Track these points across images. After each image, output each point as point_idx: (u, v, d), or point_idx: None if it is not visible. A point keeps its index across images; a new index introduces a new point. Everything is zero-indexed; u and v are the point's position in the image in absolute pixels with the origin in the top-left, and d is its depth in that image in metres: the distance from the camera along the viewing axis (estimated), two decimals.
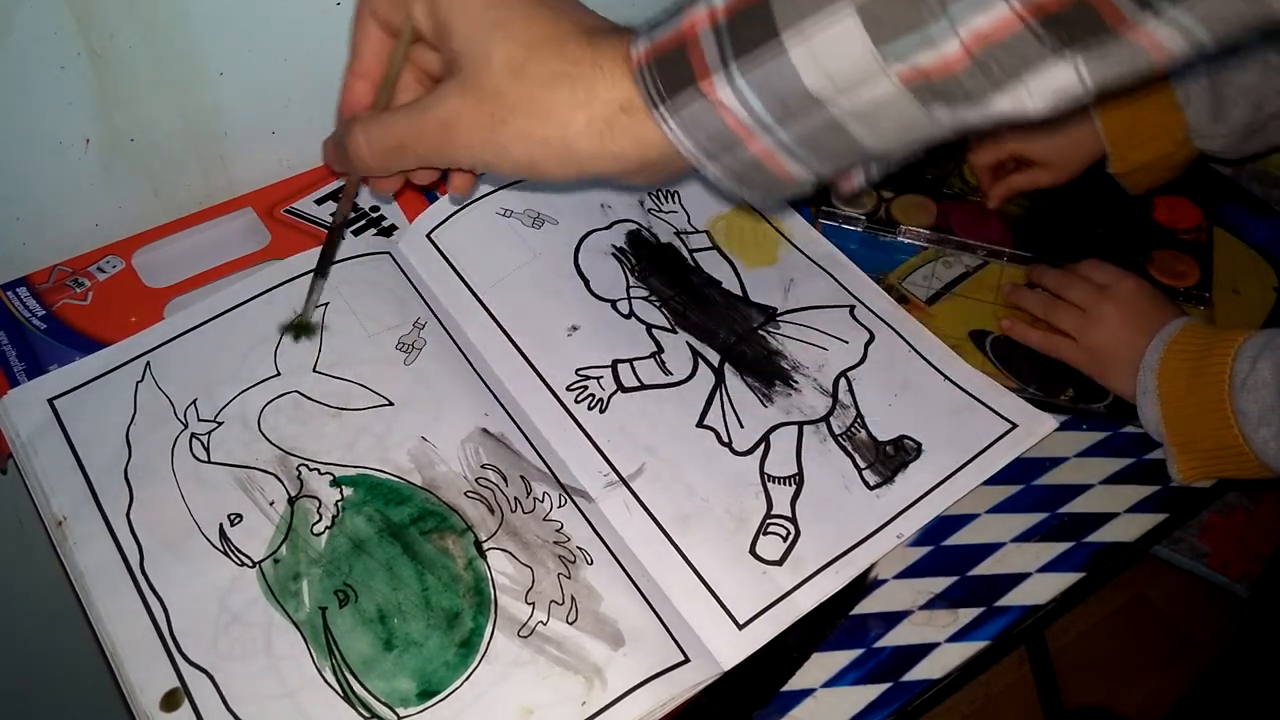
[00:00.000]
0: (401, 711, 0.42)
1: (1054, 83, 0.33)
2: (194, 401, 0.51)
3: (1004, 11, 0.31)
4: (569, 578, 0.47)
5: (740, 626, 0.46)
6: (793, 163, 0.37)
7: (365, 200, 0.62)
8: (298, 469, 0.49)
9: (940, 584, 0.49)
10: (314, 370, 0.53)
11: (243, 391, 0.52)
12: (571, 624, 0.45)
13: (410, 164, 0.43)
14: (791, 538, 0.49)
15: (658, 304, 0.59)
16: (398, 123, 0.41)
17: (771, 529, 0.50)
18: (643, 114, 0.37)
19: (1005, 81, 0.33)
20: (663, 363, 0.56)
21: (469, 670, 0.43)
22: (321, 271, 0.51)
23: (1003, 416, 0.55)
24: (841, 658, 0.46)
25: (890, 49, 0.33)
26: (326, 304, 0.55)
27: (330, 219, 0.50)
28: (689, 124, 0.36)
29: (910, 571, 0.49)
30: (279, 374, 0.52)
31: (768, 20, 0.34)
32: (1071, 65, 0.32)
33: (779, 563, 0.48)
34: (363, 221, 0.61)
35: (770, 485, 0.51)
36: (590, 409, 0.53)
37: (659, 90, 0.36)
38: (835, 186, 0.40)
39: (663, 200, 0.64)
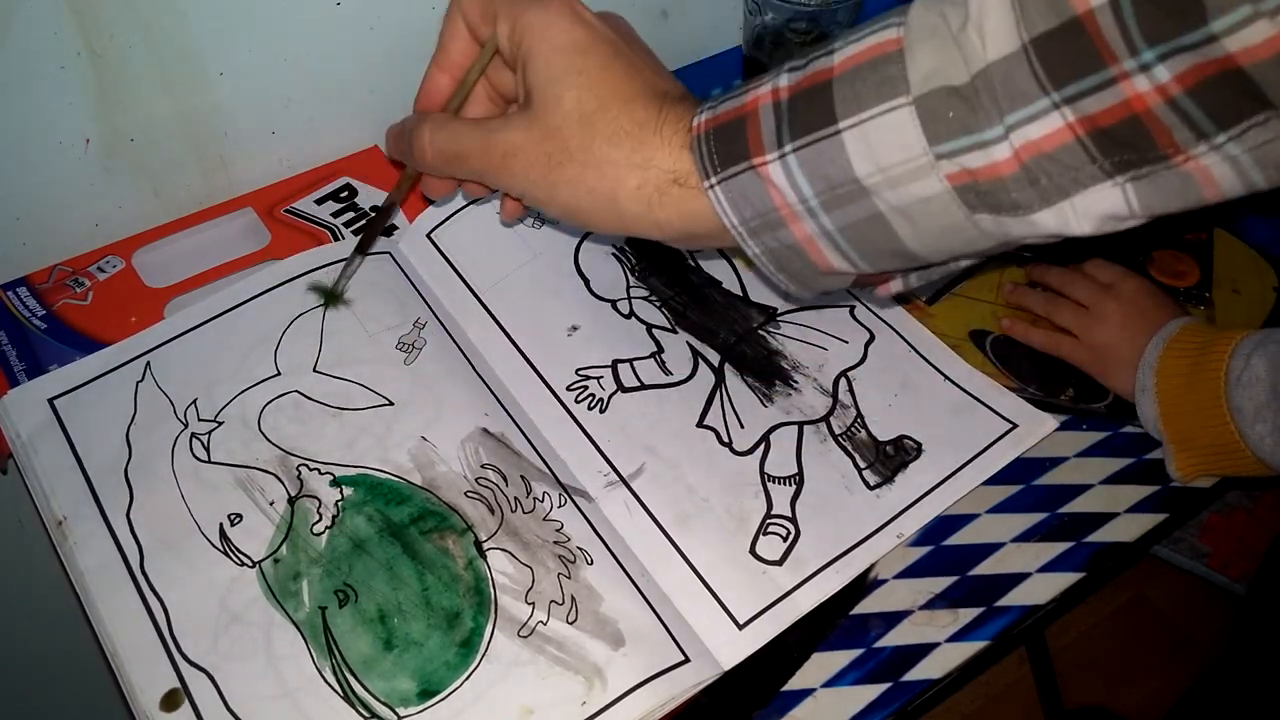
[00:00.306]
0: (402, 711, 0.42)
1: (1102, 205, 0.33)
2: (194, 401, 0.51)
3: (1058, 123, 0.31)
4: (569, 578, 0.47)
5: (740, 626, 0.46)
6: (833, 252, 0.37)
7: (366, 200, 0.62)
8: (298, 469, 0.49)
9: (940, 584, 0.49)
10: (314, 370, 0.53)
11: (243, 391, 0.52)
12: (572, 624, 0.45)
13: (465, 175, 0.44)
14: (791, 538, 0.49)
15: (658, 304, 0.59)
16: (465, 135, 0.42)
17: (771, 529, 0.50)
18: (694, 188, 0.38)
19: (1053, 195, 0.33)
20: (663, 363, 0.56)
21: (469, 670, 0.43)
22: (363, 248, 0.52)
23: (1003, 416, 0.55)
24: (841, 658, 0.46)
25: (942, 147, 0.33)
26: (370, 215, 0.55)
27: (383, 201, 0.51)
28: (736, 196, 0.37)
29: (910, 571, 0.49)
30: (279, 374, 0.52)
31: (827, 103, 0.34)
32: (1120, 190, 0.32)
33: (779, 563, 0.48)
34: (363, 222, 0.61)
35: (770, 485, 0.51)
36: (590, 409, 0.53)
37: (713, 160, 0.37)
38: (871, 290, 0.41)
39: None
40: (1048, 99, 0.31)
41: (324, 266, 0.57)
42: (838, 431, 0.54)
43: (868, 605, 0.48)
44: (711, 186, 0.37)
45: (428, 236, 0.59)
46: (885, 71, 0.33)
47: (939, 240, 0.36)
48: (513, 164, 0.41)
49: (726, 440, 0.53)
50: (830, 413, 0.55)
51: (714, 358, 0.56)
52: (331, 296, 0.55)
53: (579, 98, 0.39)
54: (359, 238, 0.52)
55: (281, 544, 0.46)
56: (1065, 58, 0.30)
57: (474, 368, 0.54)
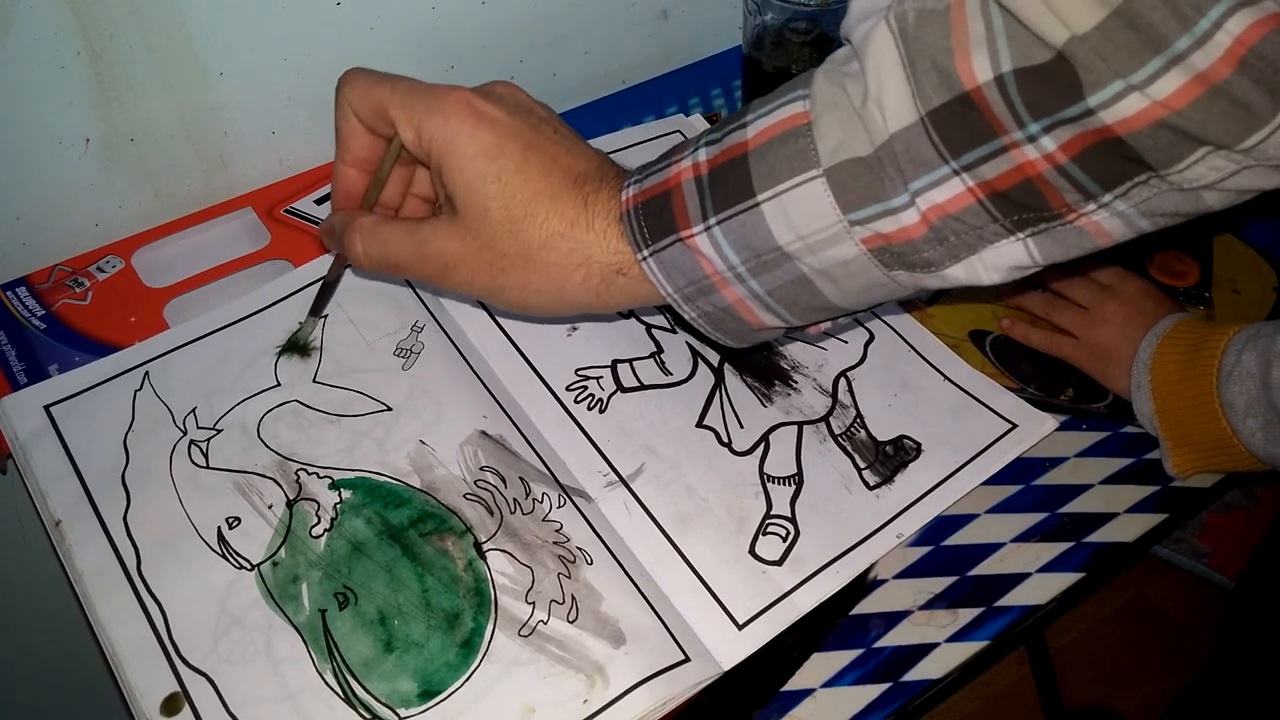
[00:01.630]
0: (403, 712, 0.42)
1: (1006, 259, 0.35)
2: (193, 410, 0.51)
3: (959, 187, 0.33)
4: (569, 577, 0.47)
5: (740, 626, 0.46)
6: (764, 311, 0.39)
7: None
8: (297, 473, 0.49)
9: (940, 584, 0.49)
10: (314, 380, 0.53)
11: (242, 401, 0.51)
12: (572, 623, 0.45)
13: (400, 278, 0.45)
14: (791, 538, 0.49)
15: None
16: (398, 246, 0.42)
17: (771, 529, 0.50)
18: (636, 275, 0.39)
19: (960, 252, 0.35)
20: (662, 363, 0.56)
21: (470, 670, 0.43)
22: (316, 311, 0.53)
23: (1002, 416, 0.55)
24: (841, 658, 0.46)
25: (855, 214, 0.35)
26: (326, 316, 0.55)
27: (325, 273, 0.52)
28: (669, 266, 0.38)
29: (910, 571, 0.49)
30: (279, 385, 0.52)
31: (745, 176, 0.36)
32: (1022, 244, 0.34)
33: (779, 563, 0.48)
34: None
35: (770, 485, 0.51)
36: (590, 409, 0.53)
37: (643, 233, 0.38)
38: (804, 334, 0.43)
39: None
40: (947, 166, 0.33)
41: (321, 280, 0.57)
42: (837, 431, 0.54)
43: (867, 605, 0.48)
44: (645, 259, 0.38)
45: None
46: (795, 145, 0.35)
47: (861, 295, 0.38)
48: (454, 274, 0.41)
49: (726, 440, 0.53)
50: (830, 413, 0.55)
51: (713, 358, 0.56)
52: (295, 347, 0.54)
53: (505, 206, 0.39)
54: (314, 302, 0.53)
55: (280, 547, 0.46)
56: (960, 129, 0.32)
57: (473, 369, 0.54)
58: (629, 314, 0.58)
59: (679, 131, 0.69)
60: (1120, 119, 0.30)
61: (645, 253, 0.38)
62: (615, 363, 0.56)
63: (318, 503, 0.48)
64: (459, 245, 0.40)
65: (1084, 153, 0.31)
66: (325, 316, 0.55)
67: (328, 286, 0.52)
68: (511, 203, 0.39)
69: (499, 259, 0.40)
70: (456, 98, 0.39)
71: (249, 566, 0.46)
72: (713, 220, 0.37)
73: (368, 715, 0.42)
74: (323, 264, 0.58)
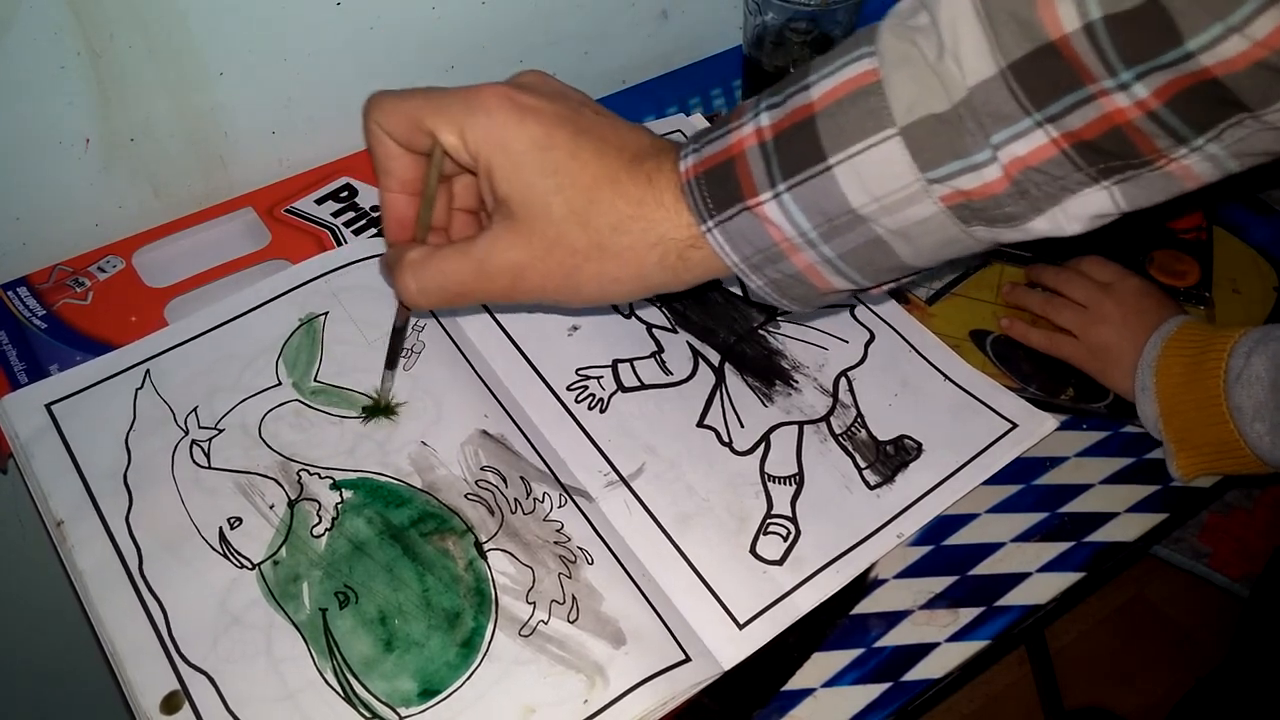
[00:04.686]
0: (403, 711, 0.42)
1: (1091, 208, 0.34)
2: (194, 409, 0.51)
3: (1042, 139, 0.32)
4: (570, 577, 0.47)
5: (740, 626, 0.46)
6: (834, 275, 0.38)
7: (366, 200, 0.62)
8: (298, 474, 0.49)
9: (940, 584, 0.49)
10: (315, 380, 0.53)
11: (244, 400, 0.51)
12: (573, 623, 0.45)
13: (468, 305, 0.41)
14: (792, 537, 0.49)
15: (658, 304, 0.59)
16: (454, 271, 0.40)
17: (772, 529, 0.50)
18: (708, 247, 0.38)
19: (1043, 204, 0.34)
20: (663, 362, 0.56)
21: (470, 670, 0.43)
22: (391, 364, 0.51)
23: (1003, 416, 0.55)
24: (841, 658, 0.46)
25: (934, 173, 0.34)
26: (326, 313, 0.55)
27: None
28: (735, 236, 0.37)
29: (910, 571, 0.49)
30: (280, 383, 0.52)
31: (814, 139, 0.35)
32: (1108, 192, 0.34)
33: (779, 562, 0.48)
34: (363, 222, 0.61)
35: (770, 485, 0.51)
36: (590, 409, 0.53)
37: (707, 204, 0.37)
38: (868, 295, 0.41)
39: None
40: (1030, 119, 0.32)
41: (322, 276, 0.57)
42: (838, 431, 0.54)
43: (868, 605, 0.48)
44: (709, 230, 0.37)
45: None
46: (867, 104, 0.34)
47: (936, 252, 0.37)
48: (524, 282, 0.39)
49: (727, 440, 0.53)
50: (830, 412, 0.55)
51: (714, 357, 0.56)
52: (383, 411, 0.52)
53: (568, 199, 0.37)
54: (387, 354, 0.50)
55: (281, 546, 0.46)
56: (1043, 80, 0.31)
57: (474, 368, 0.54)
58: (630, 314, 0.58)
59: (680, 131, 0.69)
60: (1219, 61, 0.29)
61: (710, 223, 0.37)
62: (616, 362, 0.56)
63: (319, 503, 0.48)
64: (524, 252, 0.38)
65: (1177, 97, 0.30)
66: (325, 314, 0.55)
67: (397, 334, 0.49)
68: (573, 194, 0.37)
69: (571, 255, 0.38)
70: (494, 93, 0.38)
71: (250, 566, 0.46)
72: (781, 186, 0.35)
73: (368, 714, 0.42)
74: (323, 259, 0.58)
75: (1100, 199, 0.34)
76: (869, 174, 0.34)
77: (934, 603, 0.48)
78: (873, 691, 0.45)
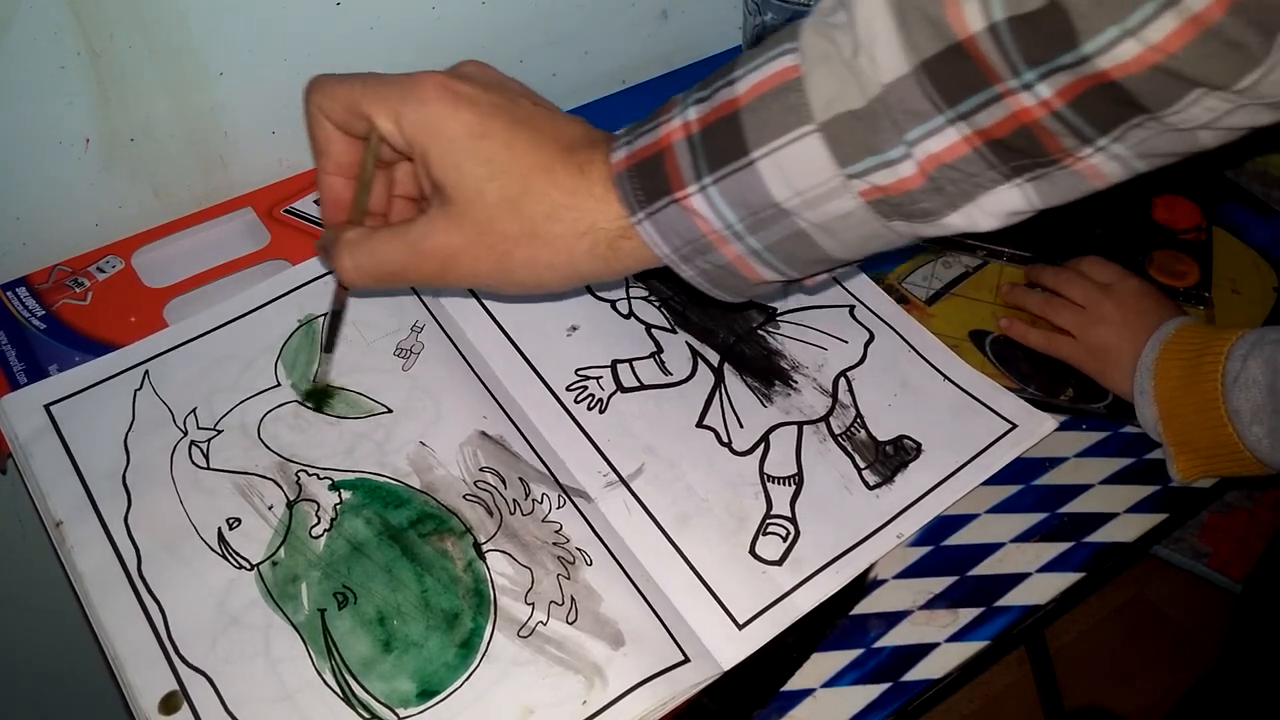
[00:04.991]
0: (402, 712, 0.42)
1: (1004, 205, 0.35)
2: (193, 410, 0.51)
3: (954, 136, 0.33)
4: (568, 578, 0.47)
5: (740, 626, 0.46)
6: (762, 267, 0.39)
7: None
8: (297, 474, 0.49)
9: (940, 584, 0.49)
10: (313, 381, 0.53)
11: (243, 401, 0.51)
12: (571, 624, 0.45)
13: (401, 286, 0.43)
14: (791, 538, 0.49)
15: (657, 304, 0.59)
16: (390, 252, 0.40)
17: (771, 529, 0.50)
18: (637, 238, 0.39)
19: (958, 200, 0.35)
20: (662, 363, 0.56)
21: (469, 670, 0.43)
22: (328, 347, 0.51)
23: (1002, 416, 0.55)
24: (841, 658, 0.46)
25: (852, 168, 0.35)
26: (326, 315, 0.55)
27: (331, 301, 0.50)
28: (664, 228, 0.38)
29: (910, 571, 0.49)
30: (279, 385, 0.52)
31: (738, 133, 0.36)
32: (1020, 189, 0.35)
33: (779, 563, 0.48)
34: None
35: (770, 485, 0.51)
36: (590, 409, 0.53)
37: (637, 196, 0.38)
38: (801, 286, 0.42)
39: None
40: (943, 116, 0.33)
41: (322, 277, 0.57)
42: (837, 431, 0.54)
43: (867, 605, 0.48)
44: (640, 221, 0.38)
45: None
46: (788, 100, 0.35)
47: (860, 246, 0.38)
48: (457, 267, 0.40)
49: (726, 440, 0.53)
50: (830, 413, 0.55)
51: (713, 358, 0.56)
52: (320, 395, 0.52)
53: (501, 186, 0.38)
54: (324, 337, 0.50)
55: (280, 547, 0.46)
56: (954, 78, 0.32)
57: (472, 368, 0.54)
58: (629, 315, 0.58)
59: None
60: (1116, 64, 0.30)
61: (640, 215, 0.38)
62: (615, 363, 0.56)
63: (318, 503, 0.48)
64: (456, 236, 0.39)
65: (1080, 98, 0.31)
66: (325, 316, 0.55)
67: (335, 317, 0.49)
68: (506, 181, 0.38)
69: (502, 241, 0.39)
70: (430, 81, 0.39)
71: (248, 566, 0.46)
72: (707, 179, 0.36)
73: (366, 715, 0.42)
74: (315, 265, 0.58)
75: (1013, 196, 0.35)
76: (790, 168, 0.35)
77: (934, 603, 0.48)
78: (872, 692, 0.45)
